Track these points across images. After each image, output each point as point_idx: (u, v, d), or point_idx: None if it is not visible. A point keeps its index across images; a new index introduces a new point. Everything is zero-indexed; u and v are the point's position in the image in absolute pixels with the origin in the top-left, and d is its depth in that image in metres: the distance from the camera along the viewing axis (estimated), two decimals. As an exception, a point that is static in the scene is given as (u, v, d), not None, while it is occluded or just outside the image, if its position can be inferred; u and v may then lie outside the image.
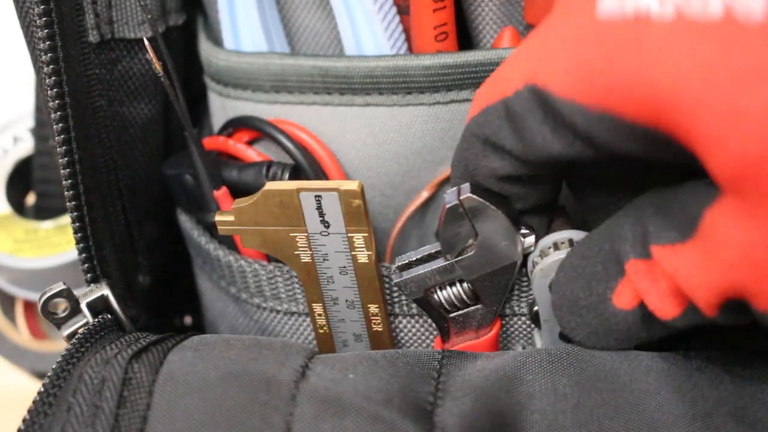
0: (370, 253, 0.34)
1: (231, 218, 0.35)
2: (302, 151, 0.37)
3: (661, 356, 0.32)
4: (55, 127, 0.34)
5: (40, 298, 0.35)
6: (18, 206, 0.54)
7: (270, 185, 0.33)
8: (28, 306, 0.56)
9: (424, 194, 0.38)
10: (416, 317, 0.37)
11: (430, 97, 0.36)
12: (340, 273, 0.35)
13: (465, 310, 0.35)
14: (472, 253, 0.33)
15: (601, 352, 0.32)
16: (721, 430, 0.29)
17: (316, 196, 0.33)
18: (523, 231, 0.33)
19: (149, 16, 0.36)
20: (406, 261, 0.34)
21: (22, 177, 0.54)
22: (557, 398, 0.30)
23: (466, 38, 0.38)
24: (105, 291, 0.36)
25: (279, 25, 0.39)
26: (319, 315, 0.36)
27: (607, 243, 0.31)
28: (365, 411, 0.29)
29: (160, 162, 0.42)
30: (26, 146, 0.54)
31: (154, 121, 0.41)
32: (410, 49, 0.37)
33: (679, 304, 0.28)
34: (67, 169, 0.35)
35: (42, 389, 0.30)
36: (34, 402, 0.30)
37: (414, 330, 0.38)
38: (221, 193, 0.37)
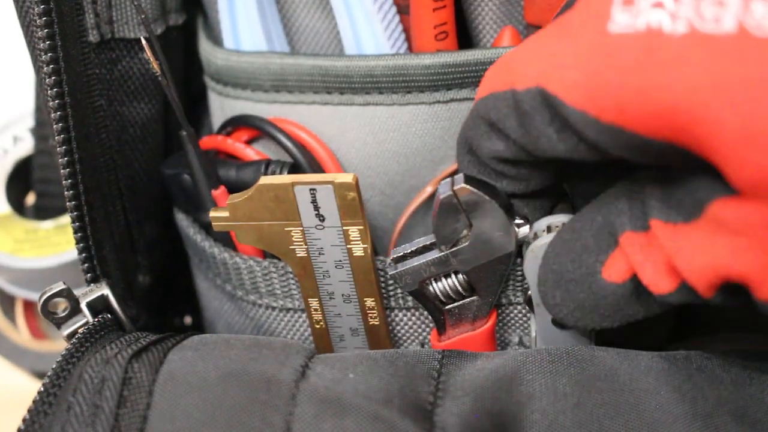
0: (365, 246, 0.34)
1: (226, 214, 0.35)
2: (301, 150, 0.37)
3: (661, 356, 0.32)
4: (55, 127, 0.34)
5: (40, 297, 0.35)
6: (18, 206, 0.54)
7: (264, 179, 0.33)
8: (28, 306, 0.56)
9: (428, 190, 0.38)
10: (412, 310, 0.37)
11: (430, 96, 0.36)
12: (335, 267, 0.35)
13: (461, 302, 0.35)
14: (466, 244, 0.33)
15: (601, 352, 0.32)
16: (721, 430, 0.29)
17: (310, 189, 0.33)
18: (518, 221, 0.33)
19: (143, 16, 0.36)
20: (402, 253, 0.34)
21: (22, 177, 0.54)
22: (557, 398, 0.30)
23: (466, 38, 0.38)
24: (105, 291, 0.36)
25: (279, 24, 0.39)
26: (316, 310, 0.36)
27: (600, 215, 0.30)
28: (365, 411, 0.29)
29: (160, 162, 0.42)
30: (26, 146, 0.54)
31: (154, 121, 0.41)
32: (410, 49, 0.37)
33: (674, 280, 0.28)
34: (67, 169, 0.35)
35: (42, 389, 0.30)
36: (34, 402, 0.30)
37: (410, 323, 0.38)
38: (219, 193, 0.37)
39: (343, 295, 0.36)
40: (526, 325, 0.37)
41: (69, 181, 0.35)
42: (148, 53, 0.35)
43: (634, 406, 0.30)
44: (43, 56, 0.34)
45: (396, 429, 0.29)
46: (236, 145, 0.39)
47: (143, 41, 0.35)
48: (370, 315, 0.36)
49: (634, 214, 0.29)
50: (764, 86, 0.23)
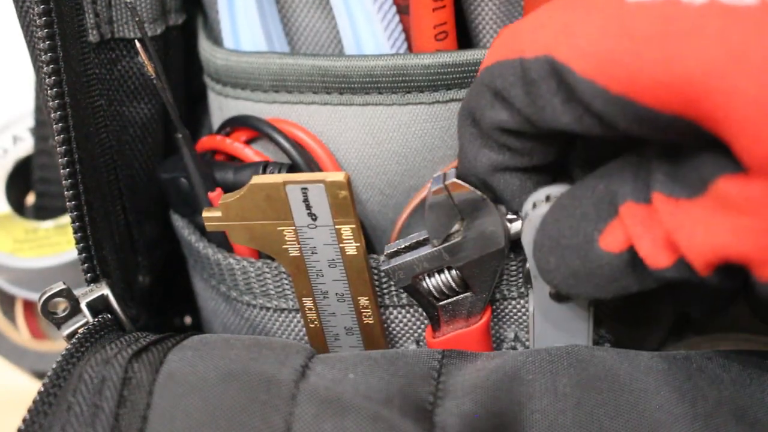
0: (358, 244, 0.34)
1: (218, 214, 0.35)
2: (299, 150, 0.37)
3: (661, 356, 0.32)
4: (54, 126, 0.34)
5: (40, 297, 0.35)
6: (18, 206, 0.54)
7: (256, 179, 0.33)
8: (28, 306, 0.56)
9: (428, 188, 0.38)
10: (407, 308, 0.37)
11: (429, 96, 0.36)
12: (329, 266, 0.35)
13: (454, 298, 0.35)
14: (458, 239, 0.33)
15: (601, 352, 0.32)
16: (721, 430, 0.29)
17: (302, 188, 0.33)
18: (510, 216, 0.33)
19: (137, 19, 0.36)
20: (395, 249, 0.34)
21: (22, 177, 0.54)
22: (557, 398, 0.30)
23: (465, 38, 0.38)
24: (105, 291, 0.36)
25: (279, 24, 0.39)
26: (310, 309, 0.36)
27: (602, 183, 0.30)
28: (365, 411, 0.29)
29: (160, 161, 0.42)
30: (26, 146, 0.54)
31: (153, 121, 0.41)
32: (410, 49, 0.37)
33: (671, 255, 0.28)
34: (67, 169, 0.35)
35: (42, 389, 0.30)
36: (34, 402, 0.30)
37: (405, 320, 0.38)
38: (215, 195, 0.37)
39: (336, 294, 0.36)
40: (521, 320, 0.37)
41: (69, 181, 0.35)
42: (143, 56, 0.35)
43: (634, 406, 0.30)
44: (43, 56, 0.34)
45: (396, 429, 0.29)
46: (235, 145, 0.39)
47: (137, 44, 0.35)
48: (364, 314, 0.36)
49: (638, 185, 0.28)
50: None
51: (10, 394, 0.62)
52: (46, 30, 0.34)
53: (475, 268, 0.34)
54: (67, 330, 0.35)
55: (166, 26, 0.40)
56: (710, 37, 0.23)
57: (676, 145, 0.28)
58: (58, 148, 0.35)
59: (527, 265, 0.34)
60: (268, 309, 0.39)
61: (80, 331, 0.34)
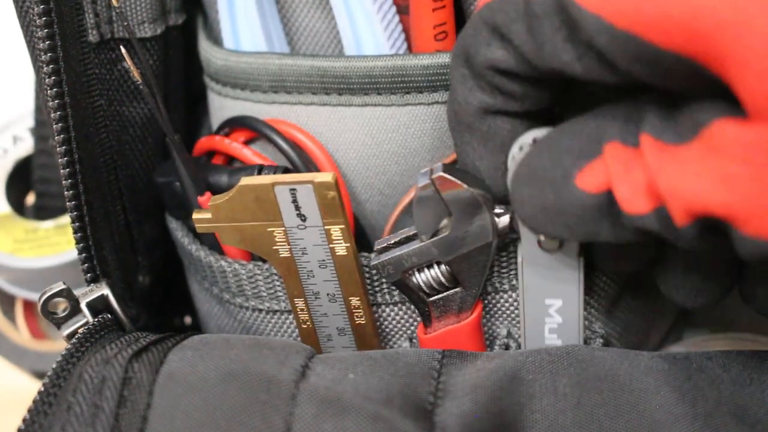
0: (348, 245, 0.34)
1: (208, 215, 0.35)
2: (297, 151, 0.37)
3: (661, 356, 0.32)
4: (54, 127, 0.34)
5: (40, 297, 0.35)
6: (18, 206, 0.54)
7: (245, 180, 0.33)
8: (28, 306, 0.56)
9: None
10: (399, 305, 0.37)
11: (428, 96, 0.36)
12: (319, 266, 0.35)
13: (444, 294, 0.35)
14: (446, 233, 0.33)
15: (601, 352, 0.32)
16: (721, 430, 0.29)
17: (290, 189, 0.33)
18: (497, 210, 0.33)
19: (125, 23, 0.36)
20: (385, 244, 0.34)
21: (22, 177, 0.54)
22: (557, 398, 0.30)
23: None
24: (105, 291, 0.36)
25: (279, 25, 0.39)
26: (302, 310, 0.36)
27: (593, 122, 0.29)
28: (365, 411, 0.29)
29: (160, 161, 0.42)
30: (26, 146, 0.54)
31: (154, 121, 0.41)
32: (410, 49, 0.37)
33: (650, 202, 0.26)
34: (67, 169, 0.35)
35: (42, 389, 0.30)
36: (34, 402, 0.30)
37: (398, 318, 0.38)
38: (205, 199, 0.37)
39: (328, 294, 0.36)
40: (514, 315, 0.37)
41: (69, 181, 0.35)
42: (128, 62, 0.35)
43: (635, 406, 0.30)
44: (43, 56, 0.34)
45: (396, 429, 0.29)
46: (233, 145, 0.39)
47: (122, 50, 0.35)
48: (356, 314, 0.36)
49: (628, 127, 0.28)
50: None
51: (10, 394, 0.62)
52: (46, 30, 0.34)
53: (464, 263, 0.34)
54: (67, 330, 0.35)
55: (166, 26, 0.40)
56: None
57: (674, 94, 0.27)
58: (58, 148, 0.35)
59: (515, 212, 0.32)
60: (260, 311, 0.39)
61: (80, 331, 0.34)
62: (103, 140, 0.39)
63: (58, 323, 0.35)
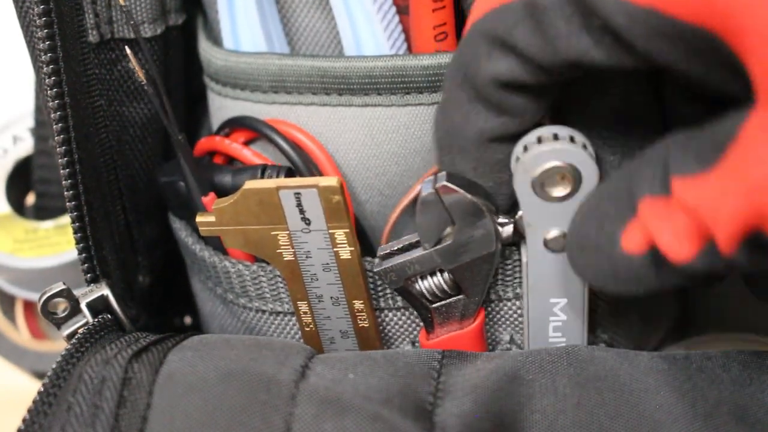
0: (352, 249, 0.34)
1: (212, 219, 0.35)
2: (298, 152, 0.37)
3: (661, 356, 0.32)
4: (54, 127, 0.34)
5: (40, 298, 0.35)
6: (18, 206, 0.54)
7: (249, 184, 0.33)
8: (28, 306, 0.56)
9: (418, 187, 0.38)
10: (402, 310, 0.38)
11: (428, 97, 0.36)
12: (323, 270, 0.35)
13: (447, 301, 0.35)
14: (449, 242, 0.33)
15: (601, 352, 0.32)
16: (721, 430, 0.29)
17: (295, 193, 0.33)
18: (501, 220, 0.33)
19: (132, 23, 0.36)
20: (388, 250, 0.34)
21: (22, 177, 0.54)
22: (557, 398, 0.30)
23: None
24: (105, 291, 0.36)
25: (279, 25, 0.39)
26: (305, 313, 0.36)
27: (624, 182, 0.29)
28: (365, 411, 0.29)
29: (160, 162, 0.42)
30: (26, 146, 0.54)
31: (154, 121, 0.41)
32: (410, 49, 0.37)
33: (695, 244, 0.26)
34: (67, 169, 0.35)
35: (42, 389, 0.30)
36: (34, 402, 0.30)
37: (400, 323, 0.38)
38: (209, 199, 0.37)
39: (331, 297, 0.36)
40: (516, 322, 0.37)
41: (69, 181, 0.35)
42: (133, 62, 0.35)
43: (634, 406, 0.30)
44: (43, 56, 0.34)
45: (396, 429, 0.29)
46: (233, 146, 0.39)
47: (127, 50, 0.35)
48: (359, 317, 0.36)
49: (655, 176, 0.27)
50: None
51: (10, 394, 0.62)
52: (46, 30, 0.34)
53: (467, 272, 0.34)
54: (67, 330, 0.35)
55: (166, 26, 0.40)
56: None
57: (693, 127, 0.27)
58: (58, 148, 0.35)
59: (518, 214, 0.33)
60: (264, 312, 0.39)
61: (80, 331, 0.34)
62: (103, 140, 0.39)
63: (58, 323, 0.35)
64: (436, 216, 0.33)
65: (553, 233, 0.33)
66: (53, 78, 0.34)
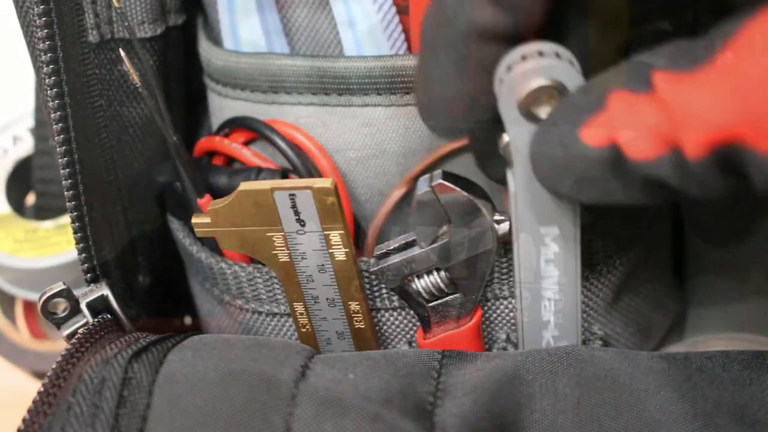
0: (347, 250, 0.34)
1: (207, 220, 0.35)
2: (297, 152, 0.37)
3: (661, 356, 0.32)
4: (54, 127, 0.34)
5: (40, 298, 0.35)
6: (18, 206, 0.54)
7: (244, 185, 0.33)
8: (28, 306, 0.56)
9: (397, 193, 0.37)
10: (398, 310, 0.38)
11: (429, 97, 0.36)
12: (318, 271, 0.35)
13: (444, 299, 0.35)
14: (445, 240, 0.33)
15: (601, 352, 0.32)
16: (721, 430, 0.29)
17: (290, 194, 0.33)
18: (497, 218, 0.33)
19: (126, 24, 0.36)
20: (384, 250, 0.35)
21: (22, 177, 0.54)
22: (557, 398, 0.30)
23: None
24: (105, 291, 0.36)
25: (279, 25, 0.39)
26: (301, 314, 0.37)
27: (599, 77, 0.28)
28: (365, 411, 0.29)
29: (160, 162, 0.42)
30: (26, 146, 0.54)
31: (154, 121, 0.41)
32: (409, 50, 0.37)
33: (659, 146, 0.25)
34: (67, 169, 0.35)
35: (42, 389, 0.30)
36: (33, 402, 0.30)
37: (397, 323, 0.38)
38: (204, 201, 0.37)
39: (327, 299, 0.36)
40: (513, 321, 0.37)
41: (69, 181, 0.35)
42: (127, 64, 0.35)
43: (634, 406, 0.30)
44: (43, 56, 0.34)
45: (396, 429, 0.29)
46: (233, 146, 0.39)
47: (121, 53, 0.35)
48: (355, 319, 0.36)
49: (635, 71, 0.26)
50: None
51: (10, 394, 0.62)
52: (46, 30, 0.34)
53: (464, 269, 0.34)
54: (67, 330, 0.35)
55: (166, 26, 0.40)
56: None
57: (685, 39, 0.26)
58: (58, 148, 0.35)
59: (504, 139, 0.31)
60: (260, 313, 0.39)
61: (80, 331, 0.34)
62: (103, 140, 0.39)
63: (58, 323, 0.35)
64: (432, 214, 0.33)
65: None
66: (53, 78, 0.34)
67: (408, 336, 0.38)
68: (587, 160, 0.27)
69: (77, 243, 0.36)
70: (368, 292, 0.37)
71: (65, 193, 0.35)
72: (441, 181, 0.32)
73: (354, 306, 0.36)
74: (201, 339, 0.34)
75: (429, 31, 0.30)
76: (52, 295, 0.35)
